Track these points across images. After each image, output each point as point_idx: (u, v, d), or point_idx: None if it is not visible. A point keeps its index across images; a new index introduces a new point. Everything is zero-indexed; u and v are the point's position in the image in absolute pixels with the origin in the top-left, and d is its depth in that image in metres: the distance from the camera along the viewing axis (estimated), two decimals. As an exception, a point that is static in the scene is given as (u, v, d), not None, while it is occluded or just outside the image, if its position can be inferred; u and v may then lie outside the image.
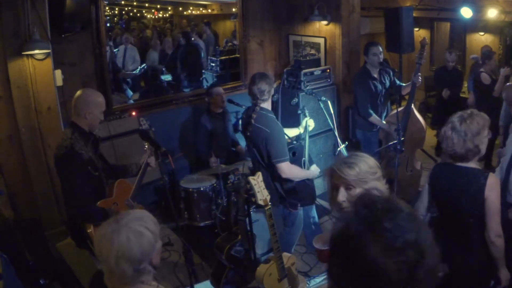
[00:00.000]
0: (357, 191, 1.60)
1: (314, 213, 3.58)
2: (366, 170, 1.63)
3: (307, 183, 3.22)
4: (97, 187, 2.64)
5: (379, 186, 1.63)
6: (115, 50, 5.92)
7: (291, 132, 3.46)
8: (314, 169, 3.22)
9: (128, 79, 5.98)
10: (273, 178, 3.07)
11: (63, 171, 2.53)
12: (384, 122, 4.17)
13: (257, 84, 2.97)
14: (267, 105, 3.06)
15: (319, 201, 4.41)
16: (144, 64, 6.05)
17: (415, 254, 0.83)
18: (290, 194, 3.11)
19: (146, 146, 2.83)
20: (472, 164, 2.15)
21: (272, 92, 3.07)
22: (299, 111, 3.37)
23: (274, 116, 3.09)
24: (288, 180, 3.06)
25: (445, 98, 5.56)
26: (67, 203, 2.66)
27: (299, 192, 3.12)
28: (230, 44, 6.68)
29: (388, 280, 0.82)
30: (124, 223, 1.43)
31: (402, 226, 0.85)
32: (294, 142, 3.34)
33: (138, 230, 1.43)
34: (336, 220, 0.97)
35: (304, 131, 3.36)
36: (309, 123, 3.34)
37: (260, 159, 3.10)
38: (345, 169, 1.62)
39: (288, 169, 2.97)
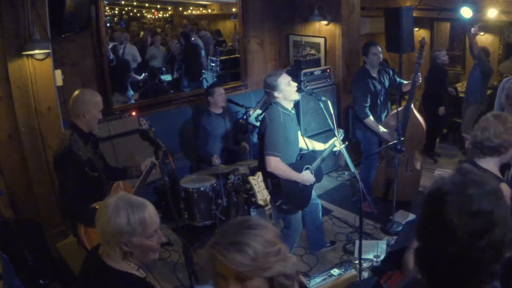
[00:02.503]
0: (255, 283, 1.09)
1: (319, 217, 3.57)
2: (265, 251, 1.09)
3: (299, 188, 3.15)
4: (95, 188, 2.64)
5: (287, 269, 1.12)
6: (121, 47, 5.94)
7: (316, 146, 3.45)
8: (306, 175, 3.14)
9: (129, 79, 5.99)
10: (265, 172, 3.04)
11: (60, 171, 2.55)
12: (380, 127, 4.15)
13: (265, 80, 3.07)
14: (282, 102, 3.06)
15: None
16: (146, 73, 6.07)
17: (484, 223, 0.92)
18: (274, 188, 3.07)
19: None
20: (491, 165, 2.07)
21: (280, 93, 3.02)
22: (336, 132, 3.27)
23: (288, 113, 3.07)
24: (274, 175, 3.03)
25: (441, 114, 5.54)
26: (62, 202, 2.67)
27: (284, 191, 3.06)
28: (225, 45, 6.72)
29: (455, 241, 0.92)
30: (124, 199, 1.58)
31: (482, 196, 0.94)
32: (309, 150, 3.33)
33: (120, 208, 1.55)
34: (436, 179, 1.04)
35: (326, 148, 3.32)
36: (336, 143, 3.22)
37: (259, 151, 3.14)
38: (233, 255, 1.07)
39: (274, 164, 2.95)
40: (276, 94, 3.02)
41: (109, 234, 1.53)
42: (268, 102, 3.16)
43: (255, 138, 4.41)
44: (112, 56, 5.38)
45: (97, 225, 1.57)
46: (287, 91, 3.04)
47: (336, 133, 3.15)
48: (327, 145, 3.35)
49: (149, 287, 1.64)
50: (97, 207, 2.49)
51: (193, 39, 6.51)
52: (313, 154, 3.32)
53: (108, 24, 5.50)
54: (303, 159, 3.23)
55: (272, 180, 3.06)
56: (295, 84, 3.10)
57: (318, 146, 3.46)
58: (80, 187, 2.50)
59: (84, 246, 2.48)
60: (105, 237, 1.55)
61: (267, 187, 3.02)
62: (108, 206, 1.54)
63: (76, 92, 2.65)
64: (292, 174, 3.06)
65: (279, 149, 2.97)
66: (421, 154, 5.49)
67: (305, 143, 3.33)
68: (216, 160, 3.91)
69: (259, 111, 4.19)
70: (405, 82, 4.27)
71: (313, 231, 3.59)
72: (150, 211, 1.59)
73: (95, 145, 2.78)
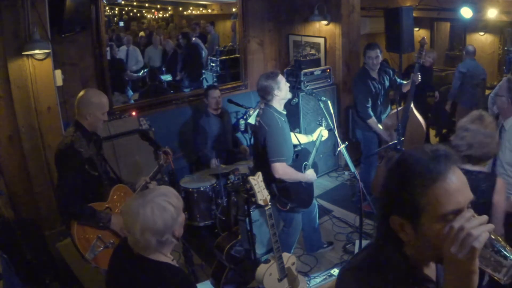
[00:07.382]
0: None
1: (316, 218, 3.58)
2: None
3: (304, 187, 3.19)
4: (95, 188, 2.62)
5: None
6: (119, 48, 5.92)
7: (303, 139, 3.46)
8: (310, 174, 3.17)
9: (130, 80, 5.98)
10: (268, 175, 3.05)
11: (60, 166, 2.54)
12: (380, 127, 4.15)
13: (259, 83, 3.03)
14: (276, 103, 3.06)
15: (319, 201, 4.42)
16: (146, 69, 6.06)
17: None
18: (282, 193, 3.09)
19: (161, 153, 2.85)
20: (477, 168, 2.09)
21: (281, 91, 3.02)
22: (317, 122, 3.36)
23: (281, 117, 3.07)
24: (280, 180, 3.04)
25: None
26: (57, 198, 2.63)
27: (292, 193, 3.09)
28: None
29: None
30: (150, 198, 1.57)
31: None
32: (301, 145, 3.34)
33: (162, 205, 1.56)
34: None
35: (316, 139, 3.35)
36: (323, 133, 3.34)
37: (258, 155, 3.11)
38: None
39: (281, 170, 2.96)
40: (276, 92, 3.01)
41: (157, 232, 1.53)
42: (262, 107, 3.12)
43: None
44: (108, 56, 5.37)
45: (134, 228, 1.53)
46: (285, 89, 3.06)
47: (329, 127, 3.20)
48: (315, 135, 3.40)
49: (189, 276, 1.66)
50: (94, 207, 2.49)
51: (193, 39, 6.51)
52: (307, 149, 3.33)
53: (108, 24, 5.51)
54: (299, 157, 3.24)
55: (278, 185, 3.07)
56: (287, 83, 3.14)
57: (308, 138, 3.48)
58: (79, 184, 2.48)
59: (76, 245, 2.46)
60: (146, 235, 1.52)
61: (273, 193, 3.05)
62: (145, 206, 1.54)
63: (82, 92, 2.61)
64: (299, 176, 3.09)
65: (282, 154, 2.97)
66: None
67: (297, 139, 3.34)
68: (215, 163, 3.90)
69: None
70: (405, 82, 4.27)
71: (310, 232, 3.59)
72: (174, 192, 1.65)
73: (98, 145, 2.76)
